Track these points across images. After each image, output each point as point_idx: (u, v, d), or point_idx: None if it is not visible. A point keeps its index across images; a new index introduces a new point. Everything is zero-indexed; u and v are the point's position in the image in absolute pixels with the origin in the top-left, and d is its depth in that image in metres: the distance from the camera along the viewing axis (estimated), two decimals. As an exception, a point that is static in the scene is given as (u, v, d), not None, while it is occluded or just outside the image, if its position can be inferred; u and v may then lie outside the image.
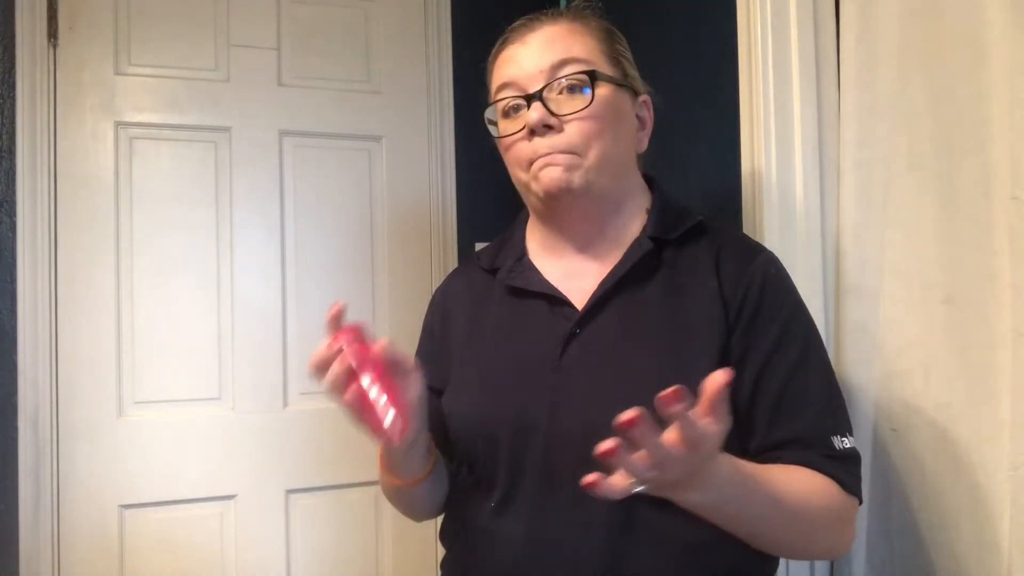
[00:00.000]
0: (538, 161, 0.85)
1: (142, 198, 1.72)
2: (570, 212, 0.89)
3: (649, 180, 0.96)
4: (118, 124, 1.71)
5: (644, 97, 0.93)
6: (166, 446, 1.70)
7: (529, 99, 0.85)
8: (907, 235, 1.01)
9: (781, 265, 0.90)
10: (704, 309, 0.84)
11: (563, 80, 0.85)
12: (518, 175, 0.90)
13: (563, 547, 0.80)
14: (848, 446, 0.82)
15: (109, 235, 1.69)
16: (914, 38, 1.01)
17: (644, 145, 0.93)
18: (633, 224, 0.91)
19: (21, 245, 1.60)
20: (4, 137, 1.61)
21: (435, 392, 0.94)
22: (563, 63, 0.85)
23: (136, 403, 1.69)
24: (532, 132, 0.85)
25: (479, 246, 1.22)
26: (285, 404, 1.79)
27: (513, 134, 0.87)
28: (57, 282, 1.65)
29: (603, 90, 0.86)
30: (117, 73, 1.71)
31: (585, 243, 0.91)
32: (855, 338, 1.09)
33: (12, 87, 1.61)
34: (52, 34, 1.66)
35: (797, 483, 0.78)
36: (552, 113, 0.84)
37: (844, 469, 0.81)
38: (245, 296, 1.77)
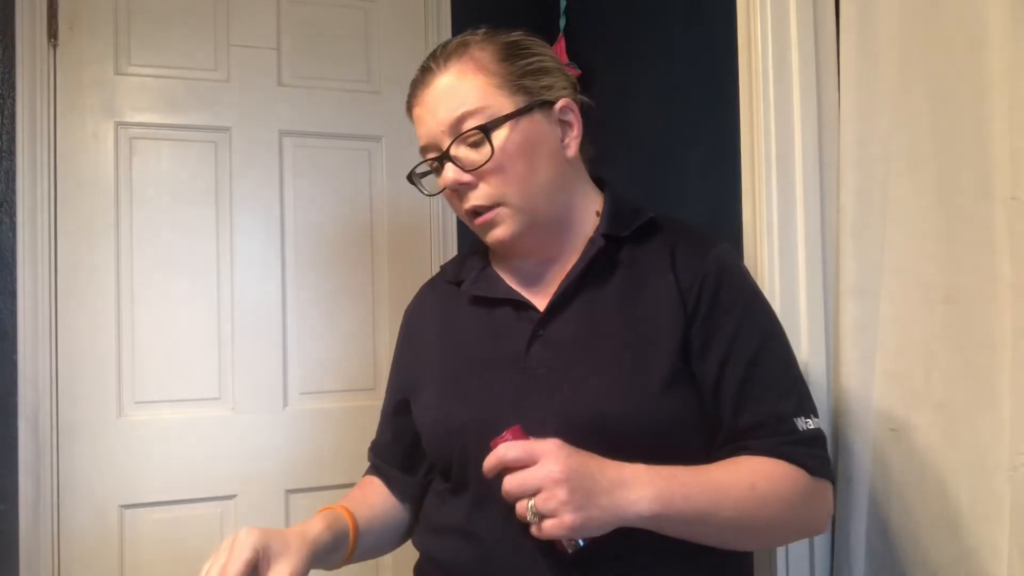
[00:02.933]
0: (476, 222, 0.89)
1: (142, 198, 1.72)
2: (521, 247, 0.91)
3: (600, 181, 0.97)
4: (118, 124, 1.71)
5: (562, 103, 0.90)
6: (166, 446, 1.70)
7: (440, 160, 0.88)
8: (907, 235, 1.01)
9: (736, 256, 0.91)
10: (663, 303, 0.85)
11: (462, 137, 0.86)
12: (464, 221, 0.92)
13: (538, 542, 0.79)
14: (812, 427, 0.83)
15: (109, 235, 1.69)
16: (914, 38, 1.01)
17: (573, 150, 0.91)
18: (587, 227, 0.92)
19: (21, 245, 1.60)
20: (4, 137, 1.61)
21: (406, 406, 1.00)
22: (459, 120, 0.85)
23: (136, 403, 1.69)
24: (453, 189, 0.88)
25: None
26: (285, 404, 1.79)
27: (441, 191, 0.91)
28: (57, 282, 1.65)
29: (501, 135, 0.85)
30: (117, 73, 1.71)
31: (543, 255, 0.93)
32: (855, 338, 1.09)
33: (12, 87, 1.61)
34: (52, 34, 1.66)
35: (739, 471, 0.80)
36: (464, 170, 0.86)
37: (809, 452, 0.82)
38: (245, 296, 1.77)
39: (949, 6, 0.96)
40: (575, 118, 0.91)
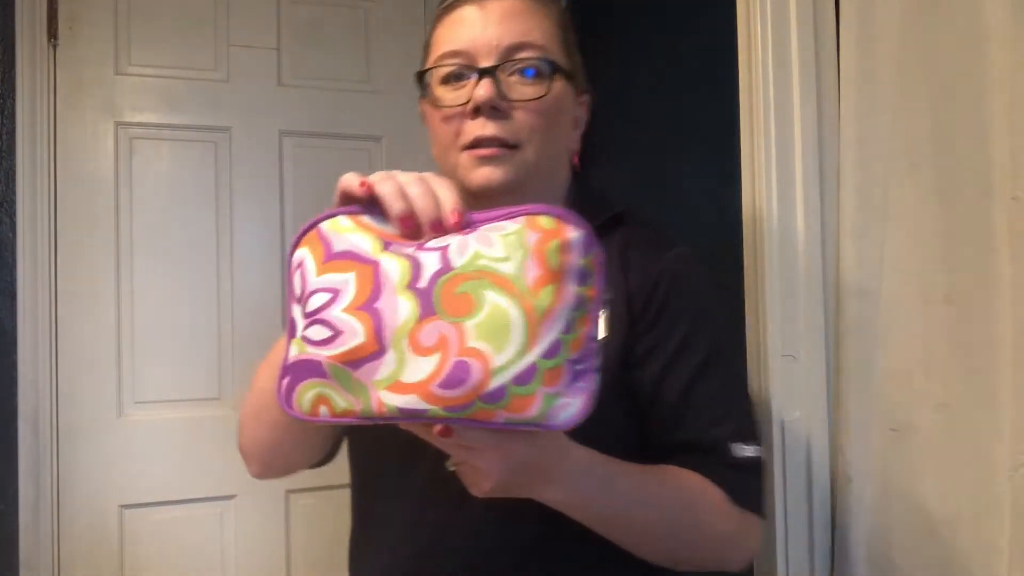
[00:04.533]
0: (473, 153, 0.79)
1: (142, 198, 1.72)
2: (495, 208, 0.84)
3: (575, 175, 0.91)
4: (118, 124, 1.71)
5: (585, 98, 0.88)
6: (166, 446, 1.70)
7: (481, 72, 0.78)
8: (907, 235, 1.01)
9: (696, 261, 0.84)
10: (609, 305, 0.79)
11: (518, 62, 0.79)
12: (447, 155, 0.82)
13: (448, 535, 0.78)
14: (748, 455, 0.77)
15: (109, 235, 1.69)
16: (914, 38, 1.01)
17: (576, 145, 0.88)
18: None
19: (21, 245, 1.60)
20: (4, 137, 1.61)
21: None
22: (520, 46, 0.79)
23: (136, 403, 1.69)
24: (477, 110, 0.78)
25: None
26: (285, 404, 1.79)
27: (452, 107, 0.80)
28: (57, 282, 1.65)
29: (558, 83, 0.81)
30: (117, 73, 1.71)
31: None
32: (855, 338, 1.09)
33: (12, 87, 1.61)
34: (52, 34, 1.66)
35: (678, 487, 0.75)
36: (502, 95, 0.78)
37: (737, 479, 0.76)
38: (245, 296, 1.77)
39: (949, 6, 0.96)
40: (585, 116, 0.89)
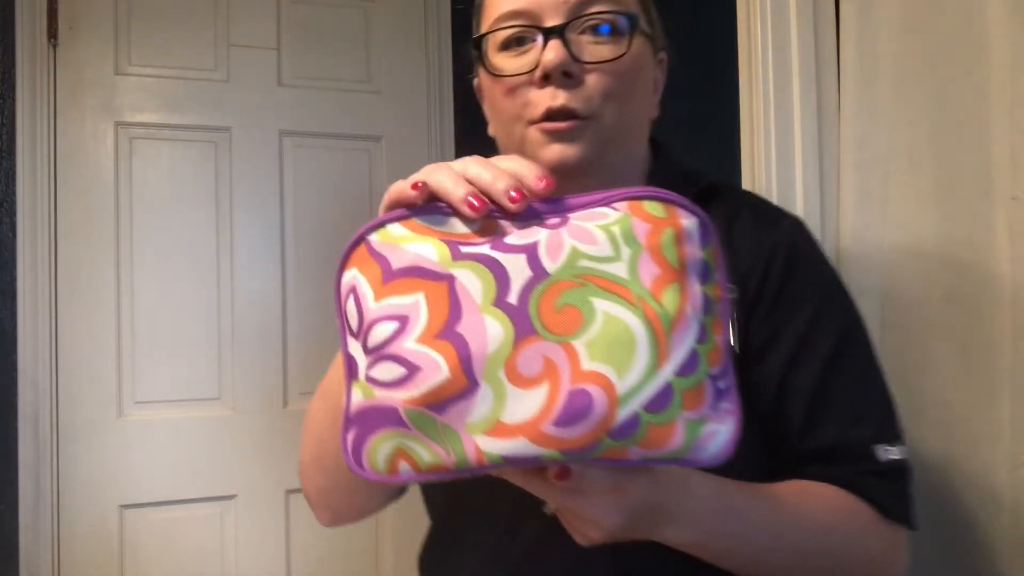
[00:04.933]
0: (543, 127, 0.68)
1: (142, 198, 1.72)
2: (568, 189, 0.66)
3: (655, 145, 0.80)
4: (118, 124, 1.71)
5: (662, 56, 0.77)
6: (166, 446, 1.70)
7: (547, 33, 0.67)
8: (907, 235, 1.01)
9: (810, 233, 0.73)
10: None
11: (590, 18, 0.67)
12: (512, 130, 0.71)
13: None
14: (895, 457, 0.66)
15: (109, 235, 1.69)
16: (914, 38, 1.01)
17: (656, 112, 0.77)
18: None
19: (21, 245, 1.60)
20: (4, 137, 1.61)
21: None
22: (590, 1, 0.68)
23: (136, 403, 1.69)
24: (545, 77, 0.67)
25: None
26: (285, 404, 1.79)
27: (516, 75, 0.68)
28: (57, 282, 1.65)
29: (637, 41, 0.69)
30: (117, 73, 1.71)
31: None
32: (855, 338, 1.09)
33: (12, 87, 1.61)
34: (52, 34, 1.66)
35: (817, 509, 0.64)
36: (574, 58, 0.67)
37: (884, 488, 0.66)
38: (245, 296, 1.77)
39: (949, 6, 0.96)
40: (663, 78, 0.77)
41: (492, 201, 0.50)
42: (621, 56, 0.67)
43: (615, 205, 0.50)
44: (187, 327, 1.73)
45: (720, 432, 0.47)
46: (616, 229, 0.48)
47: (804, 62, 1.14)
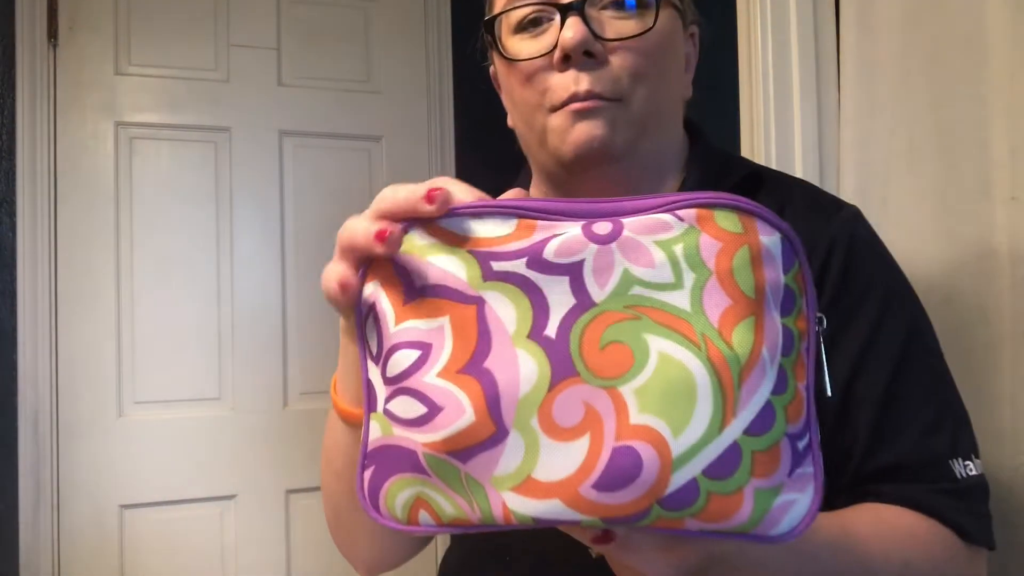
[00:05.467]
0: (567, 110, 0.61)
1: (142, 198, 1.72)
2: (597, 181, 0.64)
3: (691, 129, 0.73)
4: (118, 124, 1.71)
5: (694, 29, 0.71)
6: (166, 446, 1.70)
7: (564, 10, 0.60)
8: (907, 235, 1.01)
9: (869, 224, 0.66)
10: None
11: None
12: (532, 120, 0.64)
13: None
14: (973, 473, 0.60)
15: (109, 235, 1.69)
16: (914, 38, 1.01)
17: (690, 91, 0.70)
18: (668, 183, 0.68)
19: (21, 245, 1.61)
20: (4, 137, 1.61)
21: None
22: None
23: (136, 403, 1.69)
24: (566, 59, 0.60)
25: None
26: (285, 404, 1.79)
27: (533, 58, 0.62)
28: (57, 282, 1.65)
29: (665, 13, 0.63)
30: (117, 73, 1.71)
31: None
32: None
33: (12, 87, 1.61)
34: (52, 34, 1.66)
35: (893, 541, 0.56)
36: (596, 36, 0.60)
37: (966, 509, 0.59)
38: (245, 296, 1.77)
39: (949, 6, 0.96)
40: (695, 53, 0.71)
41: (412, 216, 0.44)
42: (648, 31, 0.61)
43: (679, 213, 0.41)
44: (187, 327, 1.73)
45: (798, 503, 0.39)
46: (679, 248, 0.40)
47: (804, 62, 1.14)
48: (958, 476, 0.59)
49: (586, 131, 0.60)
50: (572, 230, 0.41)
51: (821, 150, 1.14)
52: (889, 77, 1.04)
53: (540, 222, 0.42)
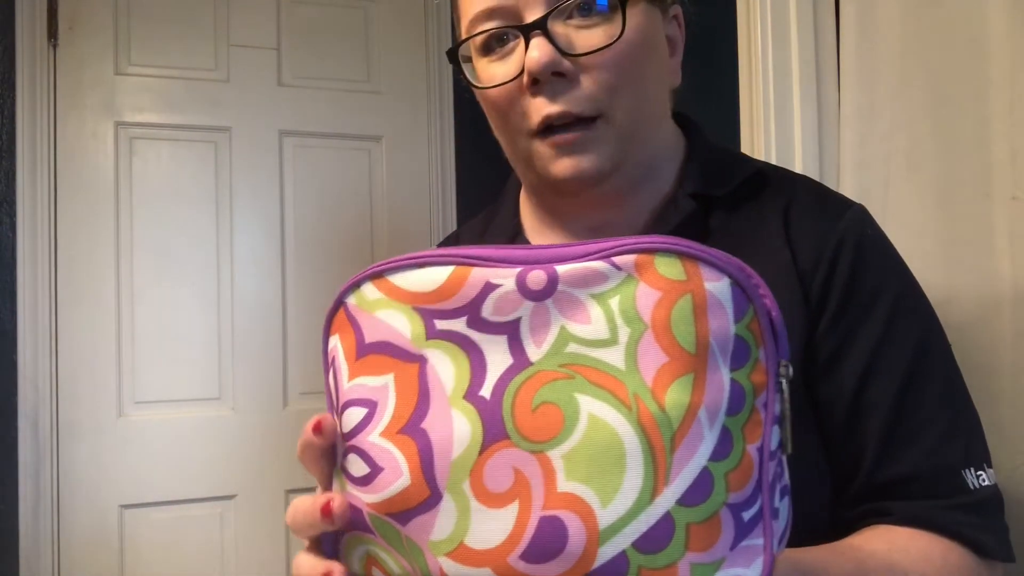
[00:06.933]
0: (548, 143, 0.59)
1: (142, 198, 1.72)
2: (588, 196, 0.63)
3: (682, 121, 0.70)
4: (118, 124, 1.71)
5: (676, 9, 0.67)
6: (166, 446, 1.70)
7: (526, 31, 0.57)
8: (907, 235, 1.01)
9: (877, 224, 0.63)
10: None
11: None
12: (515, 145, 0.62)
13: None
14: (986, 483, 0.57)
15: (109, 235, 1.69)
16: (914, 38, 1.01)
17: (679, 78, 0.67)
18: (664, 183, 0.65)
19: (21, 245, 1.61)
20: (4, 137, 1.61)
21: None
22: None
23: (136, 403, 1.69)
24: (535, 82, 0.57)
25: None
26: (285, 404, 1.79)
27: (502, 84, 0.59)
28: (57, 282, 1.65)
29: (636, 8, 0.58)
30: (117, 73, 1.71)
31: (601, 220, 0.65)
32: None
33: (12, 87, 1.61)
34: (52, 34, 1.66)
35: (910, 571, 0.53)
36: (563, 53, 0.56)
37: (982, 525, 0.56)
38: (245, 296, 1.77)
39: (949, 6, 0.96)
40: (680, 35, 0.68)
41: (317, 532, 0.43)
42: (618, 38, 0.57)
43: (616, 260, 0.38)
44: (187, 327, 1.73)
45: None
46: (614, 302, 0.38)
47: (804, 62, 1.14)
48: (971, 487, 0.56)
49: (572, 165, 0.59)
50: (507, 282, 0.40)
51: (821, 150, 1.14)
52: (889, 77, 1.04)
53: (475, 269, 0.40)
